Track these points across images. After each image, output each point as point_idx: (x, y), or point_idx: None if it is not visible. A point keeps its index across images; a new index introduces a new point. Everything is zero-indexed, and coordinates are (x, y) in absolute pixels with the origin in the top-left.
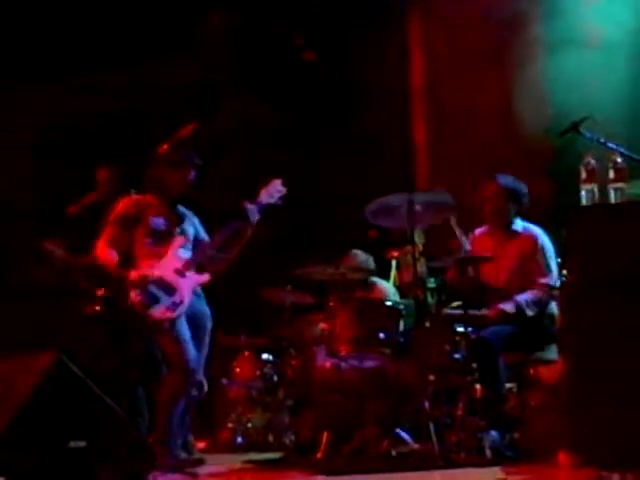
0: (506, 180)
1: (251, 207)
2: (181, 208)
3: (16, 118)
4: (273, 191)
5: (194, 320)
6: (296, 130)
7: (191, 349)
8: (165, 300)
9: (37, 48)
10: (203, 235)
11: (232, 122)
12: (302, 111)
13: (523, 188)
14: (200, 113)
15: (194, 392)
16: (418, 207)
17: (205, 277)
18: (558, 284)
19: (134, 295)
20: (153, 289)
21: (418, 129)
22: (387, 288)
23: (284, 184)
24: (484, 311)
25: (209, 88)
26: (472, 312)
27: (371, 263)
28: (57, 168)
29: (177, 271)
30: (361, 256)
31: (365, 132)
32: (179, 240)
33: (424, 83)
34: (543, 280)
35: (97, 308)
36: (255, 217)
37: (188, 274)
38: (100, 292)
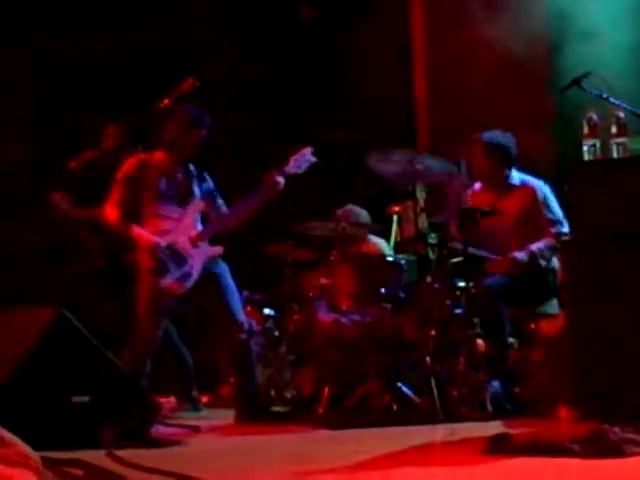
0: (491, 136)
1: (278, 179)
2: (195, 168)
3: (17, 71)
4: (302, 161)
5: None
6: (296, 85)
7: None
8: (174, 271)
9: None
10: (218, 200)
11: (230, 77)
12: (301, 66)
13: (507, 139)
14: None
15: (243, 336)
16: (420, 166)
17: (218, 249)
18: (568, 230)
19: (145, 261)
20: (164, 257)
21: (419, 83)
22: (380, 243)
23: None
24: (495, 258)
25: (202, 43)
26: (481, 254)
27: (366, 217)
28: (58, 122)
29: (191, 240)
30: (357, 210)
31: (366, 86)
32: (197, 205)
33: (426, 39)
34: (553, 229)
35: (100, 262)
36: (280, 187)
37: (201, 244)
38: (103, 246)
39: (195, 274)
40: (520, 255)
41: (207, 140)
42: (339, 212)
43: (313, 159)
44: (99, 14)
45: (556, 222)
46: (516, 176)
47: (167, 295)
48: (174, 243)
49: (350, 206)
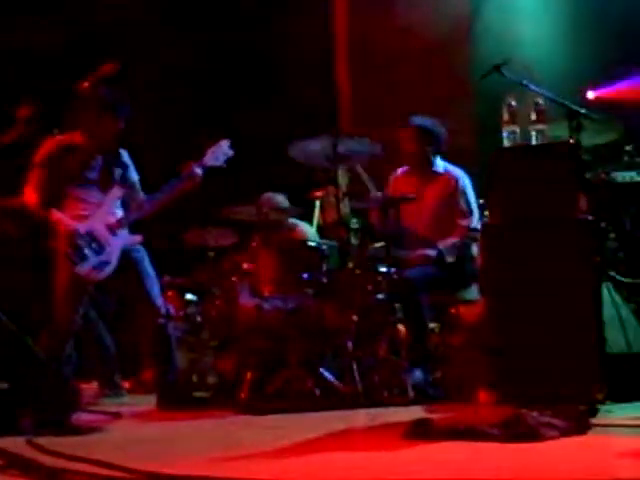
0: (422, 122)
1: (196, 170)
2: (118, 153)
3: None
4: (219, 153)
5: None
6: (216, 70)
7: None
8: (93, 259)
9: None
10: (134, 179)
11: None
12: (222, 51)
13: (440, 129)
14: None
15: (160, 321)
16: (342, 149)
17: (137, 238)
18: (479, 226)
19: (63, 246)
20: (82, 243)
21: (340, 70)
22: (307, 229)
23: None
24: (407, 253)
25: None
26: (395, 253)
27: (285, 203)
28: None
29: (109, 227)
30: (276, 198)
31: (288, 71)
32: (116, 191)
33: (348, 23)
34: (464, 222)
35: (23, 250)
36: (198, 179)
37: (120, 232)
38: (22, 234)
39: (113, 262)
40: (429, 252)
41: (126, 127)
42: (261, 200)
43: (230, 152)
44: None
45: (468, 214)
46: (440, 164)
47: (85, 282)
48: (93, 230)
49: (269, 194)
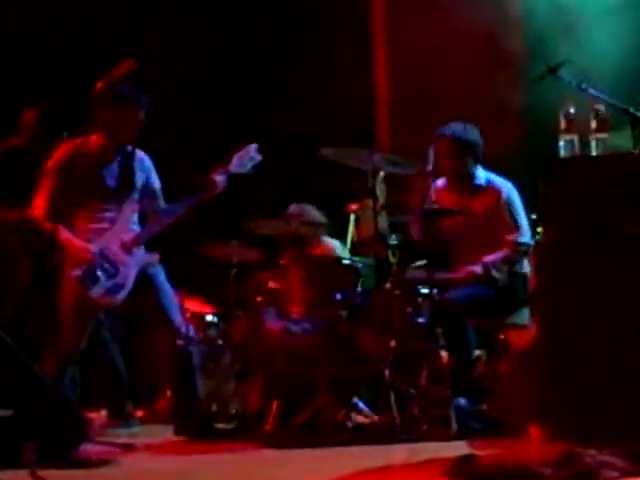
0: (456, 131)
1: (219, 178)
2: (131, 150)
3: None
4: (246, 159)
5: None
6: (255, 78)
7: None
8: (106, 282)
9: None
10: (155, 186)
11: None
12: (264, 59)
13: (476, 135)
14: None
15: (180, 342)
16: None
17: (154, 256)
18: (529, 240)
19: (72, 268)
20: (94, 264)
21: (379, 73)
22: (335, 244)
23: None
24: (450, 274)
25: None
26: (438, 275)
27: (321, 218)
28: None
29: (124, 246)
30: (307, 210)
31: (324, 77)
32: (131, 206)
33: (387, 23)
34: (511, 237)
35: (27, 263)
36: (222, 187)
37: (135, 251)
38: (30, 246)
39: (129, 285)
40: (475, 268)
41: (145, 123)
42: (290, 211)
43: (258, 157)
44: None
45: (515, 229)
46: (482, 175)
47: (95, 306)
48: (106, 249)
49: (298, 206)
